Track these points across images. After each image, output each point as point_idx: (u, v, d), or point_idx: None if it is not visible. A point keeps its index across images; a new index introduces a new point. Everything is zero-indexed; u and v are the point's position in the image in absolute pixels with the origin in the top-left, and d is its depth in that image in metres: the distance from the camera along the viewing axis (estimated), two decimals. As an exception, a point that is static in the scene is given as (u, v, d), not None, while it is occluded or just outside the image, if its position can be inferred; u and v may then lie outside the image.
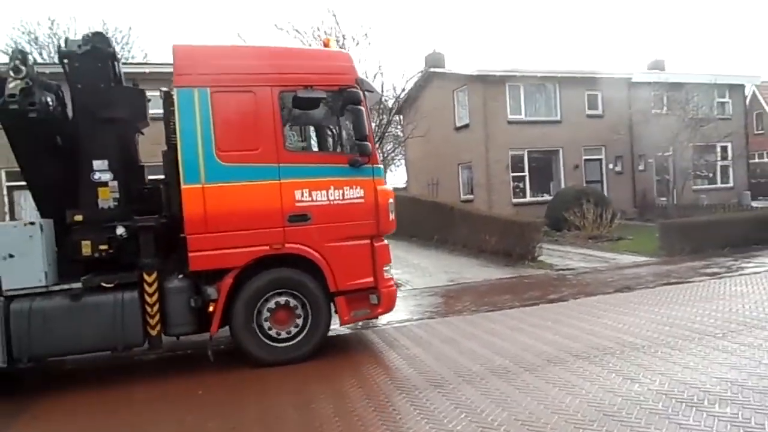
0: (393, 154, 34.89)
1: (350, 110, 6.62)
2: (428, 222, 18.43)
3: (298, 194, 6.50)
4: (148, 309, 6.20)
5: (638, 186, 23.67)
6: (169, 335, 6.48)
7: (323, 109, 6.95)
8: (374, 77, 15.28)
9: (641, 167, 23.79)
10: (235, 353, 6.75)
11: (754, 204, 22.89)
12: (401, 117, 25.76)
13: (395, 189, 9.81)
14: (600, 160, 23.11)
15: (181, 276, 6.42)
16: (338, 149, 7.05)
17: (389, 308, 6.99)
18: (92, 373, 7.02)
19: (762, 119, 33.26)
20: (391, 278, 7.02)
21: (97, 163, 6.35)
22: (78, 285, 6.07)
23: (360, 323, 8.01)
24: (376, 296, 6.78)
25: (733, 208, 20.29)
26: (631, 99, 22.73)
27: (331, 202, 6.62)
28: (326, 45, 7.37)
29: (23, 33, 31.35)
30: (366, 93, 6.84)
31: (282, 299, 6.53)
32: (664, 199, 23.05)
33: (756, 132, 31.76)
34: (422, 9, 60.04)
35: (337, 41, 16.98)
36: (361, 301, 6.78)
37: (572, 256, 14.38)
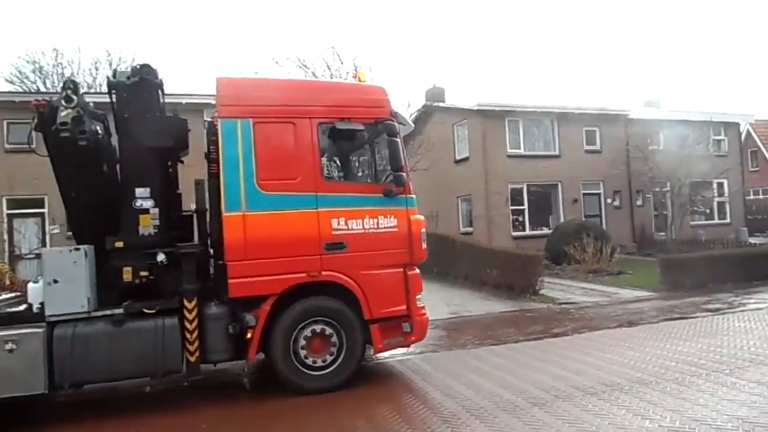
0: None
1: (386, 142, 6.85)
2: (429, 254, 18.35)
3: (334, 223, 6.64)
4: (188, 335, 6.24)
5: (637, 221, 23.79)
6: (206, 362, 6.49)
7: (358, 140, 7.19)
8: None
9: (639, 202, 23.96)
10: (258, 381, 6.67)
11: (752, 240, 23.01)
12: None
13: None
14: (599, 194, 23.28)
15: (217, 303, 6.47)
16: (371, 179, 7.23)
17: (422, 336, 7.06)
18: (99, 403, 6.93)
19: (757, 156, 33.69)
20: (424, 306, 7.09)
21: (139, 191, 6.46)
22: (119, 311, 6.12)
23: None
24: (408, 324, 6.87)
25: (731, 243, 20.39)
26: (628, 135, 23.03)
27: (367, 231, 6.76)
28: (359, 79, 7.56)
29: (28, 62, 31.78)
30: (400, 125, 7.07)
31: (318, 327, 6.59)
32: (662, 234, 23.15)
33: (751, 169, 32.14)
34: (423, 44, 61.21)
35: (340, 75, 17.32)
36: (394, 330, 6.86)
37: (574, 290, 14.37)
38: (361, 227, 6.73)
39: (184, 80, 55.78)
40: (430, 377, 7.09)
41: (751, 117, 28.35)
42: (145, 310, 6.20)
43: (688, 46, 70.76)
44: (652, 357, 7.37)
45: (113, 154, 6.79)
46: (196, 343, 6.25)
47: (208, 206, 6.83)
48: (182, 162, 7.45)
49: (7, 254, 16.23)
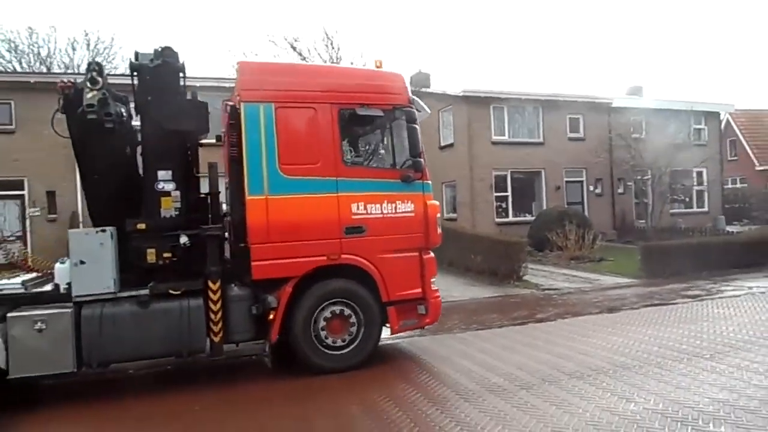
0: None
1: (406, 128, 7.01)
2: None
3: (354, 207, 6.77)
4: (212, 316, 6.33)
5: (618, 208, 24.12)
6: (229, 342, 6.57)
7: (377, 126, 7.35)
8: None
9: (620, 190, 24.27)
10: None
11: (729, 228, 23.45)
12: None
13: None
14: (581, 182, 23.52)
15: (239, 284, 6.56)
16: (388, 165, 7.30)
17: (436, 318, 7.26)
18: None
19: (735, 146, 34.23)
20: (438, 290, 7.26)
21: (161, 174, 6.48)
22: (144, 292, 6.19)
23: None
24: (424, 307, 7.04)
25: (709, 232, 20.77)
26: (611, 123, 23.25)
27: (385, 216, 6.90)
28: (378, 66, 7.57)
29: (2, 41, 31.04)
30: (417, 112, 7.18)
31: (337, 308, 6.72)
32: (642, 221, 23.49)
33: (730, 158, 32.66)
34: (408, 30, 60.87)
35: (333, 60, 17.22)
36: (409, 312, 7.03)
37: (556, 277, 14.57)
38: (379, 212, 6.88)
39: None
40: (419, 361, 7.19)
41: (731, 107, 28.78)
42: (171, 291, 6.28)
43: (671, 35, 71.41)
44: (634, 342, 7.53)
45: (135, 137, 6.79)
46: (220, 324, 6.35)
47: (226, 189, 6.93)
48: (202, 145, 7.49)
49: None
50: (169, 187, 6.48)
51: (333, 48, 17.03)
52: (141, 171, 6.81)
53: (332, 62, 16.00)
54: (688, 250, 15.10)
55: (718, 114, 27.53)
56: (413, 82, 24.79)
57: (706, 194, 26.14)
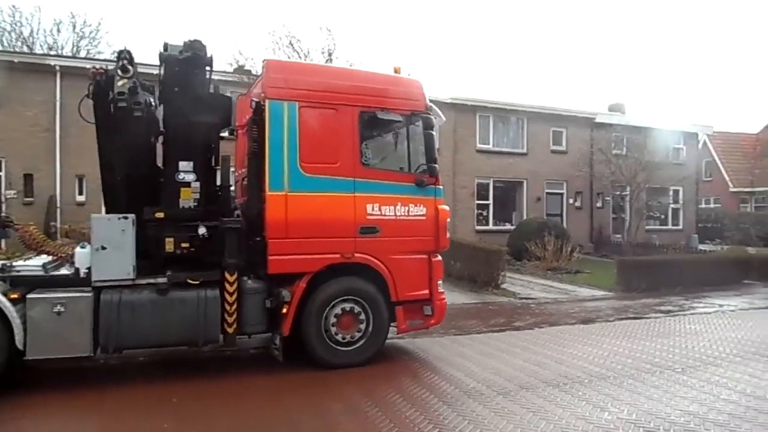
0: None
1: (422, 134, 7.20)
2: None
3: (369, 208, 6.94)
4: (227, 307, 6.38)
5: (595, 222, 24.54)
6: (241, 334, 6.66)
7: (393, 130, 7.55)
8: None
9: (599, 204, 24.70)
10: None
11: (701, 247, 24.01)
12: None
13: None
14: (561, 194, 23.89)
15: (254, 277, 6.63)
16: (402, 169, 7.42)
17: (441, 319, 7.49)
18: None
19: (711, 167, 35.06)
20: (443, 292, 7.48)
21: (183, 164, 6.51)
22: (162, 280, 6.23)
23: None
24: (430, 308, 7.26)
25: (682, 249, 21.24)
26: (593, 138, 23.65)
27: (398, 218, 7.09)
28: (397, 72, 7.68)
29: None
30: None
31: (348, 306, 6.87)
32: (618, 236, 23.95)
33: (705, 179, 33.44)
34: (395, 36, 61.02)
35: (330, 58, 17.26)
36: (416, 312, 7.26)
37: (533, 286, 14.75)
38: (393, 214, 7.06)
39: (152, 47, 54.15)
40: (399, 363, 7.25)
41: (709, 129, 29.50)
42: (190, 281, 6.33)
43: (654, 55, 72.75)
44: (609, 353, 7.70)
45: (158, 127, 6.79)
46: (235, 315, 6.42)
47: (236, 182, 6.96)
48: (223, 138, 7.52)
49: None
50: (190, 178, 6.54)
51: (330, 56, 17.05)
52: (158, 160, 6.87)
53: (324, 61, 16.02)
54: (662, 266, 15.47)
55: (696, 135, 28.23)
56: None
57: (681, 212, 26.76)
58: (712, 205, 33.68)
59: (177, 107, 6.55)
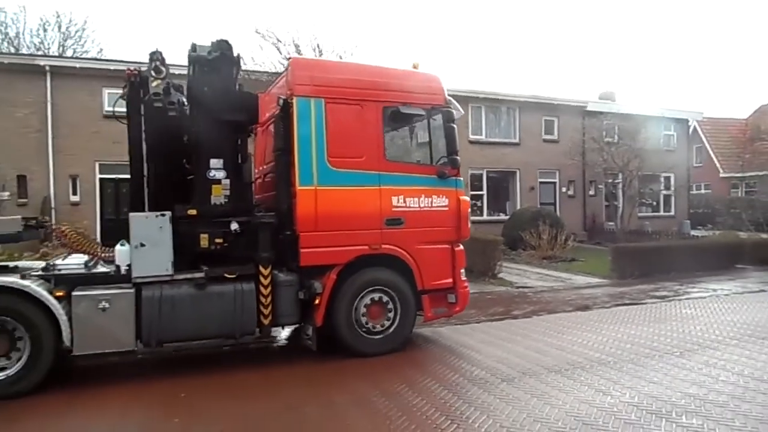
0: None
1: (444, 128, 7.43)
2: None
3: (394, 200, 7.17)
4: (263, 300, 6.59)
5: (588, 210, 24.72)
6: (276, 325, 6.85)
7: (415, 124, 7.86)
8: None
9: (592, 192, 24.88)
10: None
11: (694, 233, 24.25)
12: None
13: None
14: (554, 183, 24.04)
15: (286, 270, 6.83)
16: (425, 161, 7.65)
17: (464, 307, 7.76)
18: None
19: (701, 153, 35.34)
20: (466, 280, 7.72)
21: (213, 162, 6.66)
22: (200, 275, 6.41)
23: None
24: (453, 296, 7.52)
25: (674, 235, 21.45)
26: (585, 126, 23.77)
27: (422, 209, 7.32)
28: (416, 67, 7.84)
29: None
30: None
31: (376, 296, 7.12)
32: (611, 223, 24.14)
33: (695, 165, 33.70)
34: (388, 27, 60.88)
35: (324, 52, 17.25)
36: (440, 300, 7.51)
37: (529, 275, 14.88)
38: (417, 205, 7.28)
39: (141, 45, 53.75)
40: (402, 354, 7.30)
41: (699, 114, 29.68)
42: (227, 275, 6.51)
43: (644, 42, 73.01)
44: (608, 339, 7.81)
45: (190, 126, 6.88)
46: (270, 307, 6.61)
47: (271, 178, 7.22)
48: (251, 135, 7.62)
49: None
50: (221, 175, 6.67)
51: (320, 51, 17.02)
52: (185, 159, 7.01)
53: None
54: (656, 252, 15.64)
55: (686, 121, 28.42)
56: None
57: (673, 199, 27.00)
58: (703, 191, 33.97)
59: (207, 106, 6.66)
